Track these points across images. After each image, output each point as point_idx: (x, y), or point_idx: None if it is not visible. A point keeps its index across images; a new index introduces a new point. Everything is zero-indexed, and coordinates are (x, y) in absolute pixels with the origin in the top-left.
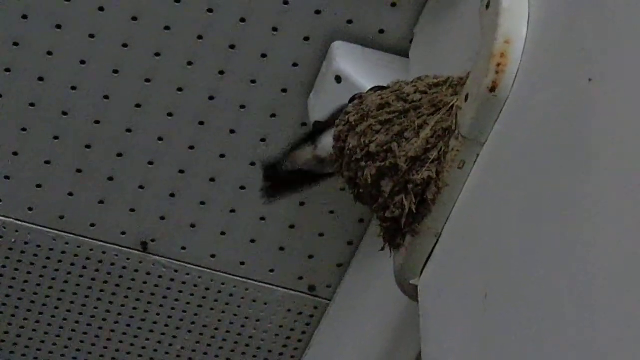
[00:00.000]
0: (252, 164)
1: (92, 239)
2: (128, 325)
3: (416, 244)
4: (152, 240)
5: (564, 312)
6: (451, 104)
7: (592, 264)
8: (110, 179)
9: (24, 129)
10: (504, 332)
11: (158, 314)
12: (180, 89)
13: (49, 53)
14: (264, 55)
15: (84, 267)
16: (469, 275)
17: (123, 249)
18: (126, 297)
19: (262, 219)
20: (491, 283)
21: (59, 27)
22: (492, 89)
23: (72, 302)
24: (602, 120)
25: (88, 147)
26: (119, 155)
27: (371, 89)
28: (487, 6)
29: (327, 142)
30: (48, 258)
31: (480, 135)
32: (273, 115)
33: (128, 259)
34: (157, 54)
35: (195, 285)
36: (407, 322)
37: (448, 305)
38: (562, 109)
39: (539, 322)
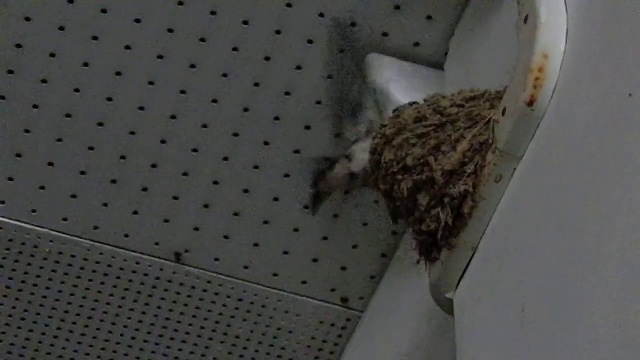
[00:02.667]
0: (286, 175)
1: (126, 249)
2: (160, 336)
3: (452, 258)
4: (186, 251)
5: (602, 329)
6: (488, 117)
7: (632, 280)
8: (145, 189)
9: (59, 140)
10: (541, 348)
11: (190, 325)
12: (214, 101)
13: (85, 64)
14: (298, 67)
15: (118, 277)
16: (506, 289)
17: (156, 259)
18: (159, 307)
19: (295, 230)
20: (528, 298)
21: (95, 38)
22: (530, 103)
23: (105, 312)
24: None
25: (123, 157)
26: (154, 166)
27: (408, 104)
28: (525, 20)
29: (360, 156)
30: (82, 268)
31: (517, 149)
32: (307, 127)
33: (161, 269)
34: (192, 66)
35: (228, 296)
36: (441, 335)
37: (484, 319)
38: (601, 123)
39: (577, 338)
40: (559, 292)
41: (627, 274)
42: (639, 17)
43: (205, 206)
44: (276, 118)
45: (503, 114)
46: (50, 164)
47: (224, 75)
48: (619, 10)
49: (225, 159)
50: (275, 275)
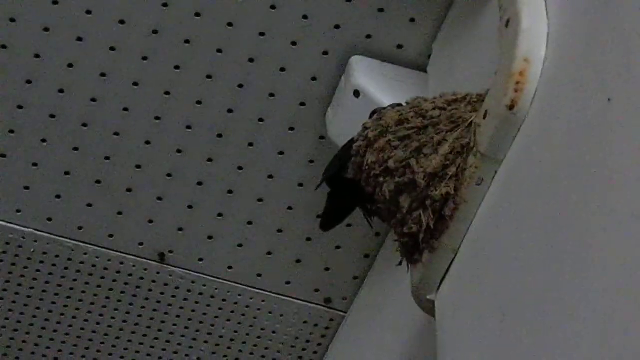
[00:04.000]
0: (270, 176)
1: (110, 250)
2: (145, 336)
3: (433, 260)
4: (170, 252)
5: (584, 334)
6: (470, 120)
7: (615, 285)
8: (129, 190)
9: (43, 140)
10: (521, 350)
11: (175, 325)
12: (199, 102)
13: (70, 65)
14: (282, 69)
15: (102, 278)
16: (487, 292)
17: (141, 259)
18: (143, 307)
19: (279, 231)
20: (509, 301)
21: (80, 39)
22: (511, 107)
23: (89, 312)
24: (621, 140)
25: (107, 158)
26: (138, 167)
27: (390, 106)
28: (507, 24)
29: None
30: (66, 268)
31: (498, 152)
32: (291, 129)
33: (145, 269)
34: (177, 67)
35: (212, 297)
36: (423, 336)
37: (465, 321)
38: (581, 127)
39: (557, 341)
40: (539, 294)
41: (609, 277)
42: (618, 23)
43: (190, 207)
44: (260, 120)
45: (484, 117)
46: (35, 164)
47: (209, 77)
48: (600, 16)
49: (210, 160)
50: (259, 275)
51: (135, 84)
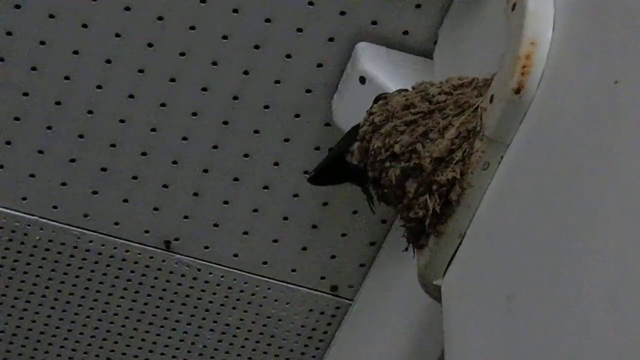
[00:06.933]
0: (276, 163)
1: (116, 237)
2: (150, 324)
3: (440, 245)
4: (176, 239)
5: (590, 315)
6: (476, 105)
7: (621, 266)
8: (135, 177)
9: (49, 127)
10: (527, 334)
11: (180, 313)
12: (204, 89)
13: (75, 52)
14: (288, 56)
15: (108, 265)
16: (493, 276)
17: (146, 247)
18: (149, 295)
19: (285, 218)
20: (516, 285)
21: (85, 26)
22: (518, 91)
23: (95, 300)
24: (628, 122)
25: (113, 146)
26: (143, 154)
27: (396, 91)
28: (513, 8)
29: None
30: (72, 256)
31: (504, 136)
32: (297, 116)
33: (151, 257)
34: (182, 54)
35: (217, 285)
36: (430, 322)
37: (471, 306)
38: (588, 111)
39: (564, 325)
40: (546, 278)
41: (617, 260)
42: (624, 5)
43: (195, 194)
44: (266, 107)
45: (491, 101)
46: (40, 152)
47: (214, 63)
48: None
49: (215, 147)
50: (264, 263)
51: (141, 70)
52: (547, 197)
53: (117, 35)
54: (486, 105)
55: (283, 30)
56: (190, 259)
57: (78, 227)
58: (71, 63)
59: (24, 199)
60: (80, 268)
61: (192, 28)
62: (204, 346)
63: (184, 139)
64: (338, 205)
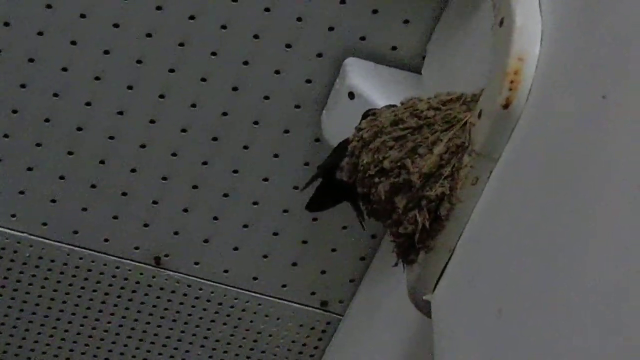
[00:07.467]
0: (265, 179)
1: (106, 254)
2: (141, 340)
3: (429, 260)
4: (166, 255)
5: (580, 330)
6: (464, 120)
7: (611, 282)
8: (124, 194)
9: (38, 144)
10: (518, 348)
11: (171, 329)
12: (193, 105)
13: (64, 69)
14: (277, 72)
15: (98, 282)
16: (483, 291)
17: (136, 263)
18: (139, 311)
19: (275, 234)
20: (505, 300)
21: (73, 43)
22: (506, 106)
23: (85, 317)
24: (616, 137)
25: (102, 162)
26: (133, 170)
27: (385, 107)
28: (501, 23)
29: None
30: (62, 273)
31: (493, 151)
32: (286, 131)
33: (141, 273)
34: (171, 70)
35: (208, 300)
36: (420, 337)
37: (462, 321)
38: (576, 125)
39: (555, 338)
40: (536, 292)
41: (606, 274)
42: (612, 20)
43: (185, 210)
44: (255, 122)
45: (479, 116)
46: (30, 168)
47: (203, 80)
48: (594, 13)
49: (205, 163)
50: (255, 279)
51: (130, 87)
52: (536, 211)
53: (106, 52)
54: (475, 121)
55: (272, 46)
56: (181, 274)
57: (68, 244)
58: (60, 80)
59: (13, 215)
60: (70, 285)
61: (181, 45)
62: None
63: (174, 155)
64: (328, 220)
